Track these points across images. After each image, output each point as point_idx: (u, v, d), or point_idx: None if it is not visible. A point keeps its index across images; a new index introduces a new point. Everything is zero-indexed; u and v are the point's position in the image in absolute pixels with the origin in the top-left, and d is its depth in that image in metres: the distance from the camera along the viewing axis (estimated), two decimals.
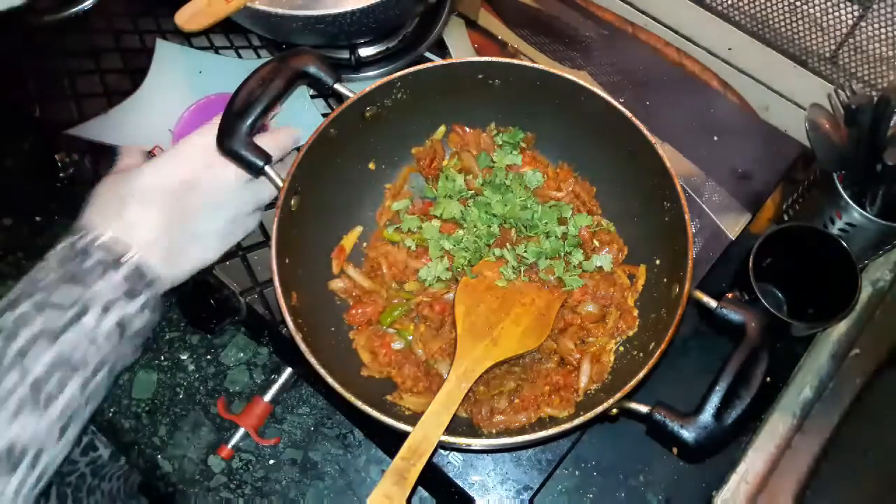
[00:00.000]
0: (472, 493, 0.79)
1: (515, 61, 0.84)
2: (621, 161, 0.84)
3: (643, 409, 0.67)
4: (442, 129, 0.91)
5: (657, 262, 0.82)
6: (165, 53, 1.05)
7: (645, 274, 0.83)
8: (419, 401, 0.76)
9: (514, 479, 0.80)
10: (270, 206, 0.93)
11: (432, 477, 0.81)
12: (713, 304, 0.70)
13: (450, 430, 0.66)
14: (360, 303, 0.83)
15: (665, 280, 0.78)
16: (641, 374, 0.67)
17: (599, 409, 0.66)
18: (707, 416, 0.64)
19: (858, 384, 0.83)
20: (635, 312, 0.81)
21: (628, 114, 0.79)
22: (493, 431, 0.74)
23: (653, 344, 0.71)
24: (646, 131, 0.78)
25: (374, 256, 0.85)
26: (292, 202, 0.77)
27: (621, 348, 0.80)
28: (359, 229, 0.88)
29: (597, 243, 0.85)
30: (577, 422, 0.66)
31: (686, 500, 0.80)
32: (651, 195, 0.80)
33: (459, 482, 0.79)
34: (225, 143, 0.76)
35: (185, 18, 0.86)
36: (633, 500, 0.80)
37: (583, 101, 0.82)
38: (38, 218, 1.13)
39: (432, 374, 0.79)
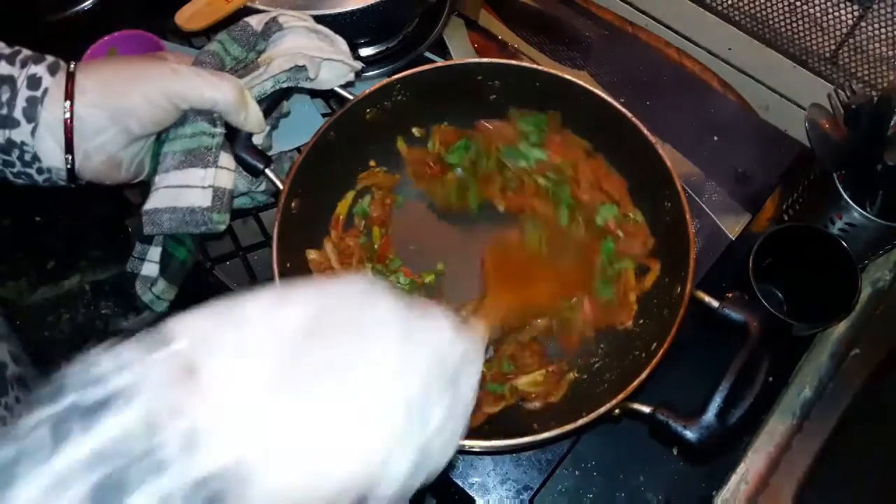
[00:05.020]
0: (472, 493, 0.79)
1: (515, 62, 0.84)
2: (621, 161, 0.84)
3: (646, 409, 0.67)
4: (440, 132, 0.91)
5: (657, 261, 0.81)
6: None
7: (659, 269, 0.81)
8: None
9: (514, 479, 0.80)
10: (270, 207, 0.93)
11: None
12: (715, 303, 0.70)
13: None
14: None
15: (666, 280, 0.78)
16: (644, 375, 0.67)
17: (602, 409, 0.66)
18: (710, 415, 0.64)
19: (858, 384, 0.83)
20: (633, 298, 0.81)
21: (628, 114, 0.79)
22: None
23: (655, 344, 0.71)
24: (646, 131, 0.78)
25: (351, 245, 0.85)
26: (293, 205, 0.77)
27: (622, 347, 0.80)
28: (351, 194, 0.88)
29: (621, 234, 0.84)
30: (580, 422, 0.66)
31: (686, 500, 0.80)
32: (651, 195, 0.80)
33: (459, 482, 0.79)
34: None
35: (185, 18, 0.86)
36: (633, 500, 0.80)
37: (583, 102, 0.82)
38: (38, 218, 1.13)
39: None
